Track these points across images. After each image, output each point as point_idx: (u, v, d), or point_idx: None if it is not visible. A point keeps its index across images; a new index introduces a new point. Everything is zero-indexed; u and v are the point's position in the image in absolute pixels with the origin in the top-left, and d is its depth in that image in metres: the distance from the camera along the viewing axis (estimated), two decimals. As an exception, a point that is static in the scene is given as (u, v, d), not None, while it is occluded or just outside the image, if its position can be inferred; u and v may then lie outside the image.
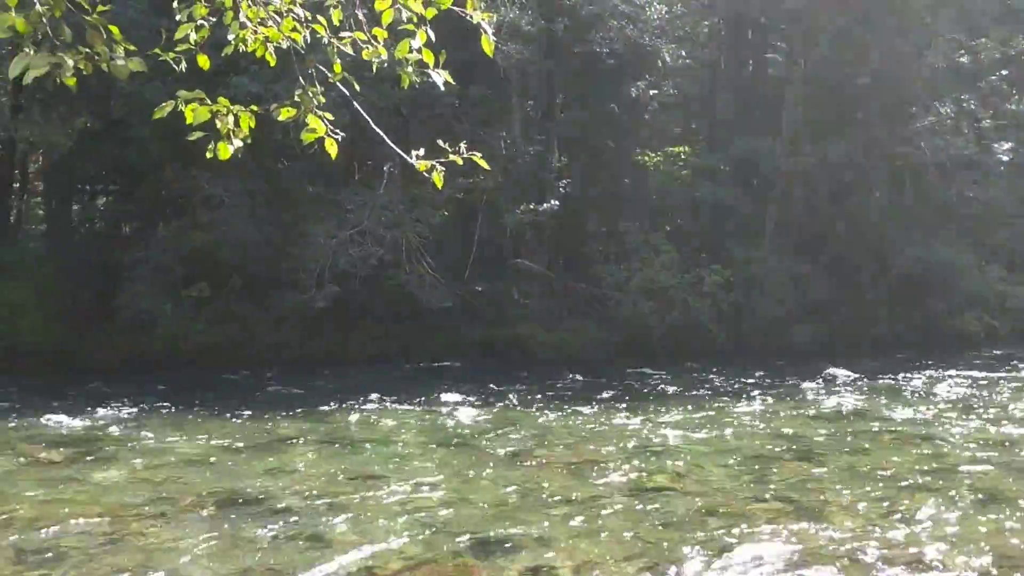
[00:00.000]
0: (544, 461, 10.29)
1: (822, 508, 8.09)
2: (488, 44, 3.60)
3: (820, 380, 17.79)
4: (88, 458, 10.45)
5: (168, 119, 3.71)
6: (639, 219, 24.54)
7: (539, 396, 15.67)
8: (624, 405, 14.78)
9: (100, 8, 3.32)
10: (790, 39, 26.52)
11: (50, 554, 6.71)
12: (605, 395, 15.88)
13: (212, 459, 10.37)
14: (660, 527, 7.50)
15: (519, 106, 23.05)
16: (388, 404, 14.85)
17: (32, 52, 3.05)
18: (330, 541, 7.01)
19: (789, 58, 26.39)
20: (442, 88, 3.84)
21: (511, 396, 15.65)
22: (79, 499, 8.41)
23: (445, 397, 15.44)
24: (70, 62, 3.13)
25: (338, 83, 3.91)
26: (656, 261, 22.73)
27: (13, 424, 12.81)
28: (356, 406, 14.63)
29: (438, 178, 3.78)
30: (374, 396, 15.53)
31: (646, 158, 28.30)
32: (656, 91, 25.05)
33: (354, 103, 4.04)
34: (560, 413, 13.89)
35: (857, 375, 18.24)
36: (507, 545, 6.95)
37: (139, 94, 18.26)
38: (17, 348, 20.97)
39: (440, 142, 3.89)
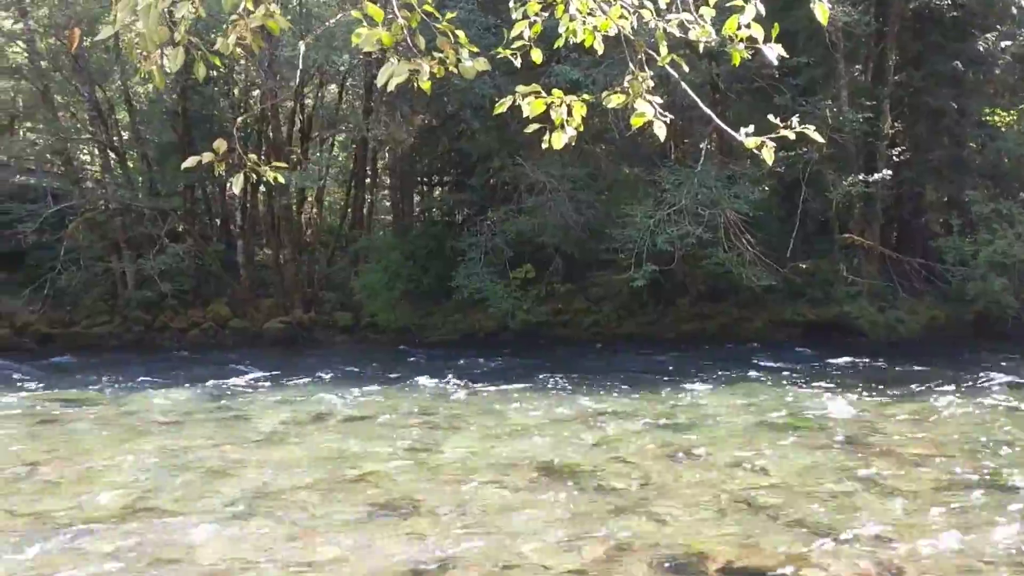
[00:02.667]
0: (879, 449, 9.66)
1: None
2: (824, 12, 3.44)
3: None
4: (433, 424, 11.50)
5: (493, 110, 3.94)
6: (987, 186, 22.07)
7: (870, 380, 14.70)
8: (969, 392, 13.43)
9: (449, 15, 3.62)
10: None
11: (403, 509, 7.46)
12: (947, 380, 14.50)
13: (541, 430, 10.95)
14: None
15: (845, 71, 21.63)
16: (708, 383, 14.73)
17: (396, 61, 3.41)
18: (656, 518, 7.12)
19: None
20: (775, 62, 3.73)
21: (839, 380, 14.84)
22: (426, 461, 9.27)
23: (767, 378, 15.02)
24: (426, 67, 3.46)
25: (660, 64, 3.94)
26: (1009, 232, 20.32)
27: (370, 391, 14.41)
28: (675, 384, 14.68)
29: (769, 153, 3.68)
30: (693, 375, 15.49)
31: (996, 118, 25.32)
32: (1009, 42, 22.28)
33: (682, 83, 4.05)
34: (895, 399, 12.95)
35: None
36: (841, 536, 6.63)
37: (470, 89, 19.58)
38: (375, 324, 23.63)
39: (770, 117, 3.79)
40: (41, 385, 15.68)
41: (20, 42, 25.10)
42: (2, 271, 25.63)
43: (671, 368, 16.61)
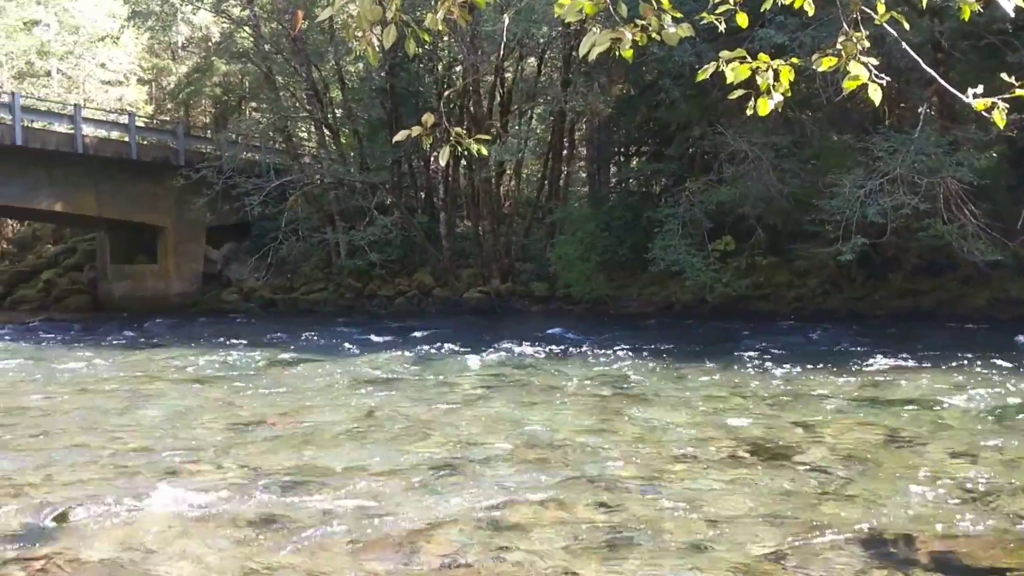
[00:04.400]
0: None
1: None
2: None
3: None
4: (626, 395, 11.51)
5: (693, 78, 3.85)
6: None
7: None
8: None
9: (652, -19, 3.56)
10: None
11: (595, 479, 7.51)
12: None
13: (739, 406, 10.71)
14: None
15: (1093, 22, 19.41)
16: (921, 363, 13.83)
17: (598, 30, 3.41)
18: (859, 501, 6.80)
19: None
20: (1011, 15, 3.41)
21: (1076, 364, 13.50)
22: (618, 432, 9.29)
23: (988, 360, 13.88)
24: (628, 35, 3.43)
25: (877, 23, 3.70)
26: None
27: (565, 360, 14.60)
28: (884, 363, 13.90)
29: (1000, 116, 3.39)
30: (905, 354, 14.58)
31: None
32: None
33: (901, 43, 3.79)
34: None
35: None
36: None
37: (668, 57, 19.23)
38: (570, 295, 23.90)
39: (1003, 76, 3.47)
40: (265, 346, 17.05)
41: (247, 28, 27.13)
42: (232, 240, 28.01)
43: (881, 346, 15.70)
